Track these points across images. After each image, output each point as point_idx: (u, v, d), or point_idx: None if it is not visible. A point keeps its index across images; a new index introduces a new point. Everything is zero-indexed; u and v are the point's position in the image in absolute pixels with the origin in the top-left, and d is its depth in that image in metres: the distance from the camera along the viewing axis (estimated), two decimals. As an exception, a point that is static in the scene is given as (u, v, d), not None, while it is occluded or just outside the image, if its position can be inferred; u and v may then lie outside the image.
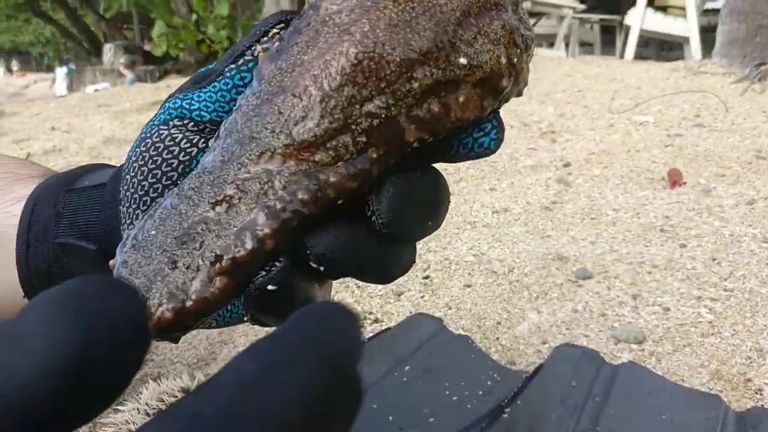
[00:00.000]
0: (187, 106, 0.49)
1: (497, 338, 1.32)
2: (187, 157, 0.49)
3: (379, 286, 1.53)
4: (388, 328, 1.31)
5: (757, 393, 1.11)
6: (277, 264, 0.41)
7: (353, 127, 0.40)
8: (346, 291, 1.52)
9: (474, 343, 1.25)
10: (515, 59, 0.43)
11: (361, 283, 1.55)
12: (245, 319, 0.48)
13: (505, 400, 1.07)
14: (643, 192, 2.05)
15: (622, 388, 1.09)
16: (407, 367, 1.17)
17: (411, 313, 1.37)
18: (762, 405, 1.08)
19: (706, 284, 1.45)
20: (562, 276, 1.53)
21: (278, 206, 0.40)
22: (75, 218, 0.56)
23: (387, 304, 1.46)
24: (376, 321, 1.38)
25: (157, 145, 0.49)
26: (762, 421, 1.03)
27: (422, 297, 1.47)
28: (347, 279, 1.57)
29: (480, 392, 1.12)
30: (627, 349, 1.23)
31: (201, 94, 0.49)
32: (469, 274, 1.56)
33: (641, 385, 1.10)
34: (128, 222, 0.49)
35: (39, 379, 0.23)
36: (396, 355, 1.20)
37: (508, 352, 1.28)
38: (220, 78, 0.49)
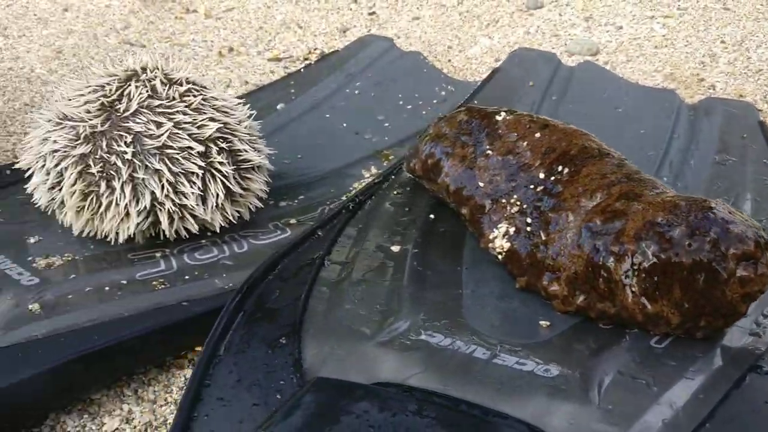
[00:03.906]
0: None
1: (449, 60, 1.28)
2: None
3: (322, 24, 1.45)
4: (336, 51, 1.25)
5: (710, 89, 1.11)
6: None
7: None
8: (288, 32, 1.43)
9: (426, 59, 1.20)
10: None
11: (303, 22, 1.46)
12: None
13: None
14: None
15: (579, 86, 1.07)
16: (358, 83, 1.12)
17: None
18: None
19: (659, 5, 1.41)
20: (512, 6, 1.47)
21: None
22: None
23: (332, 40, 1.39)
24: (322, 55, 1.31)
25: None
26: (714, 107, 1.03)
27: (369, 31, 1.40)
28: (288, 20, 1.48)
29: (434, 101, 1.09)
30: (581, 60, 1.20)
31: None
32: (418, 8, 1.49)
33: (598, 83, 1.09)
34: None
35: None
36: (346, 73, 1.15)
37: (461, 72, 1.24)
38: None
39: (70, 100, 0.74)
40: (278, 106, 1.06)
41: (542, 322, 0.57)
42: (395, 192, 0.82)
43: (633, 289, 0.53)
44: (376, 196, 0.81)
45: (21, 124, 1.07)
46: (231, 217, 0.75)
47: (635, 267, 0.53)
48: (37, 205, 0.75)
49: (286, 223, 0.79)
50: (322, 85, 1.12)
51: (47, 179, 0.72)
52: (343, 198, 0.84)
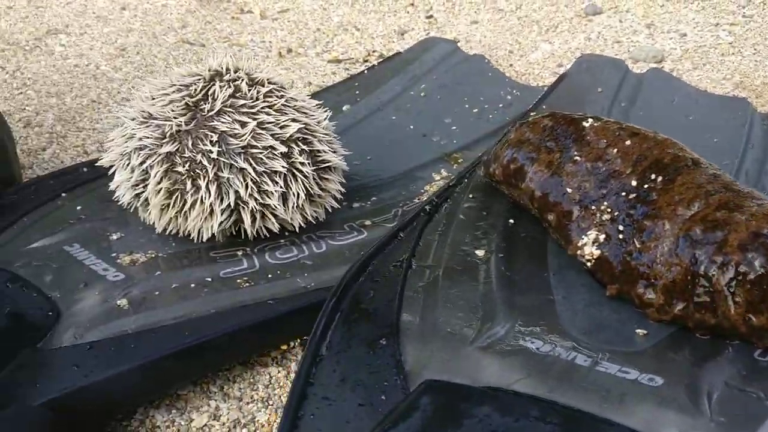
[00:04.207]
0: None
1: (511, 65, 1.27)
2: None
3: (380, 26, 1.45)
4: (399, 53, 1.25)
5: (782, 98, 1.09)
6: None
7: None
8: (345, 34, 1.44)
9: (490, 62, 1.20)
10: None
11: (360, 24, 1.47)
12: None
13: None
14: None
15: (648, 93, 1.06)
16: (423, 85, 1.12)
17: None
18: (788, 106, 1.06)
19: (723, 12, 1.40)
20: (570, 12, 1.46)
21: None
22: None
23: (390, 42, 1.39)
24: (381, 57, 1.31)
25: None
26: (789, 117, 1.01)
27: (427, 34, 1.40)
28: (345, 22, 1.48)
29: (500, 105, 1.08)
30: (646, 67, 1.19)
31: None
32: (476, 12, 1.48)
33: (667, 90, 1.07)
34: None
35: None
36: (411, 75, 1.15)
37: (523, 77, 1.23)
38: None
39: (153, 99, 0.75)
40: (344, 108, 1.06)
41: (638, 331, 0.57)
42: (470, 195, 0.81)
43: (737, 300, 0.52)
44: (451, 200, 0.80)
45: (89, 120, 1.09)
46: (309, 217, 0.76)
47: (740, 278, 0.52)
48: (119, 203, 0.76)
49: (361, 224, 0.79)
50: (387, 86, 1.12)
51: (131, 177, 0.73)
52: (416, 200, 0.84)
